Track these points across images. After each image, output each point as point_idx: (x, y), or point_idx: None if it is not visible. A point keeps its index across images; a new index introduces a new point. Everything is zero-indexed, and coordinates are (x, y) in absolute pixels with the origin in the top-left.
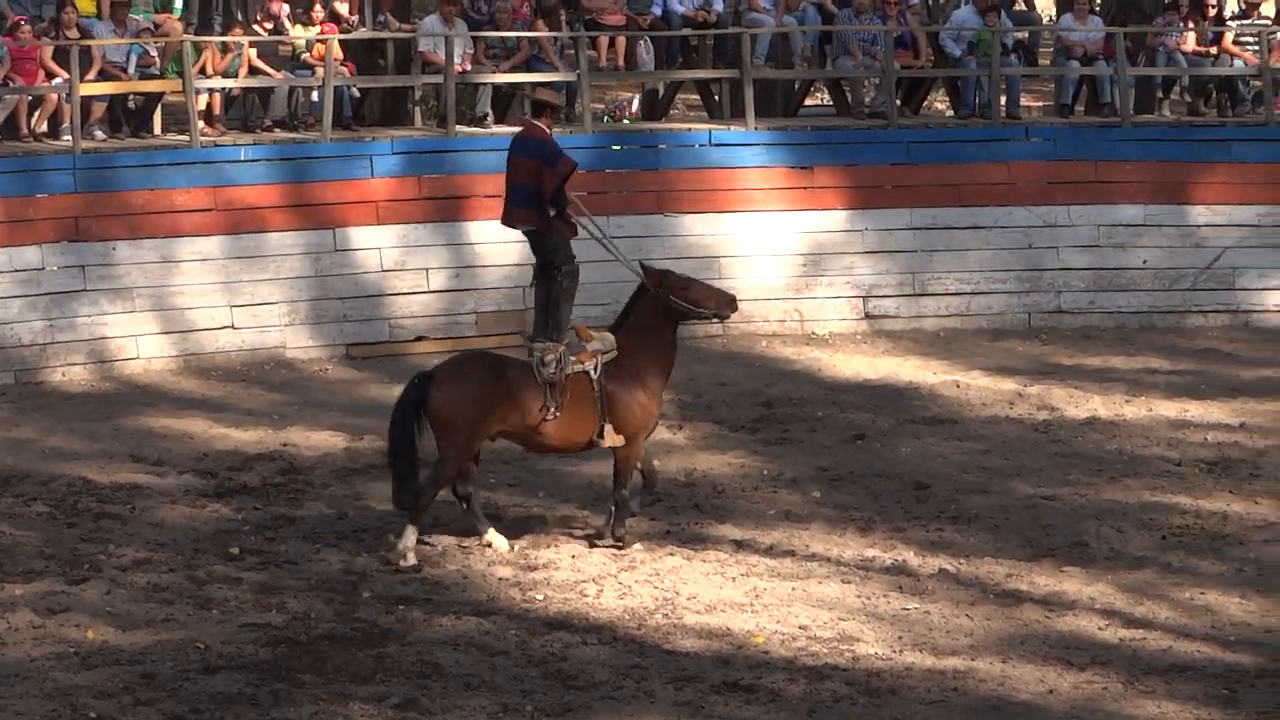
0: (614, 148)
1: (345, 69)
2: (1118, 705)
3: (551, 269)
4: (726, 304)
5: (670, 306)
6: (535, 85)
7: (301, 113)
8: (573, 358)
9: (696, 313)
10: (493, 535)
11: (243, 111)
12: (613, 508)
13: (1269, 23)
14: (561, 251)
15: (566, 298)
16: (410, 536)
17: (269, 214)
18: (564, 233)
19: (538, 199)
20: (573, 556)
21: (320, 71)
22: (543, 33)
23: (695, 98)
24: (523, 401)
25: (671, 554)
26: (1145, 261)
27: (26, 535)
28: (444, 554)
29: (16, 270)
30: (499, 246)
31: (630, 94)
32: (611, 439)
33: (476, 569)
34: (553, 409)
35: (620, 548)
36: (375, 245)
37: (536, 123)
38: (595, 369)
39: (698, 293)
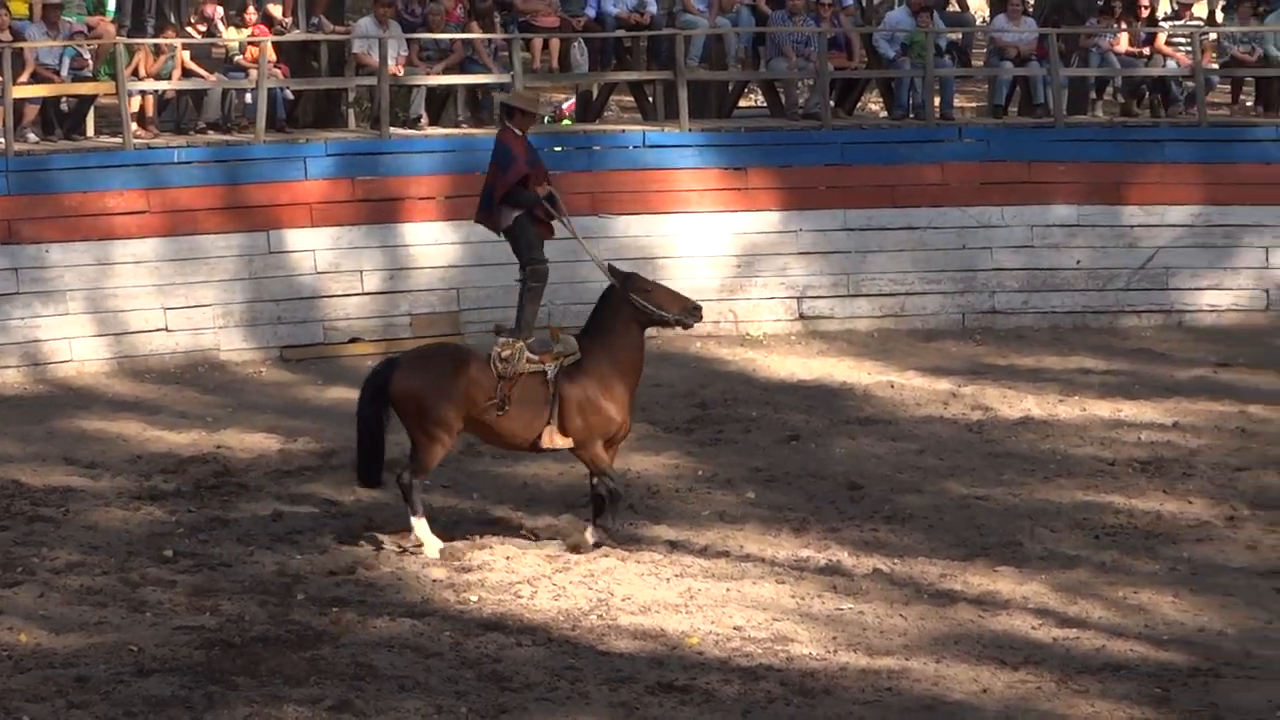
0: (554, 149)
1: (279, 71)
2: (1051, 705)
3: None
4: (690, 311)
5: (635, 309)
6: (509, 89)
7: (235, 115)
8: (535, 356)
9: (659, 316)
10: (423, 533)
11: (176, 114)
12: (605, 498)
13: (1201, 23)
14: (525, 253)
15: (530, 297)
16: (421, 527)
17: (203, 216)
18: (531, 234)
19: (491, 200)
20: (507, 558)
21: (254, 74)
22: (476, 34)
23: (629, 99)
24: (473, 392)
25: (606, 555)
26: (1079, 262)
27: None
28: (378, 556)
29: None
30: (433, 248)
31: (565, 96)
32: (551, 441)
33: (411, 570)
34: (499, 404)
35: (601, 544)
36: (309, 247)
37: (509, 125)
38: (552, 370)
39: (661, 297)
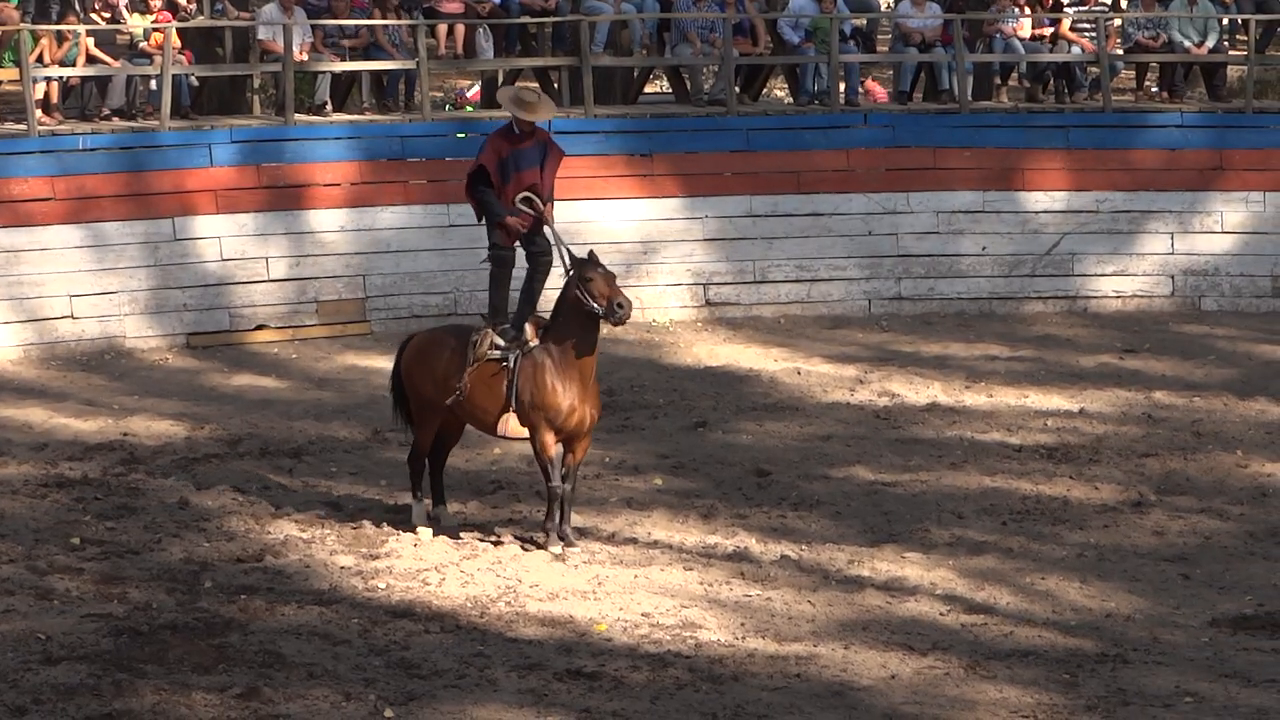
0: (458, 135)
1: (183, 58)
2: (959, 690)
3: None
4: (614, 308)
5: (576, 296)
6: (516, 78)
7: (140, 102)
8: (501, 343)
9: (589, 306)
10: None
11: (81, 100)
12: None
13: (1106, 9)
14: (489, 238)
15: (494, 283)
16: (415, 508)
17: (108, 203)
18: (496, 223)
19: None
20: (415, 545)
21: (158, 60)
22: (381, 21)
23: (534, 85)
24: (446, 374)
25: (514, 541)
26: (984, 248)
27: None
28: (285, 543)
29: None
30: (339, 235)
31: (469, 82)
32: (505, 428)
33: (319, 558)
34: (459, 388)
35: (557, 553)
36: (215, 234)
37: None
38: (512, 358)
39: (597, 287)
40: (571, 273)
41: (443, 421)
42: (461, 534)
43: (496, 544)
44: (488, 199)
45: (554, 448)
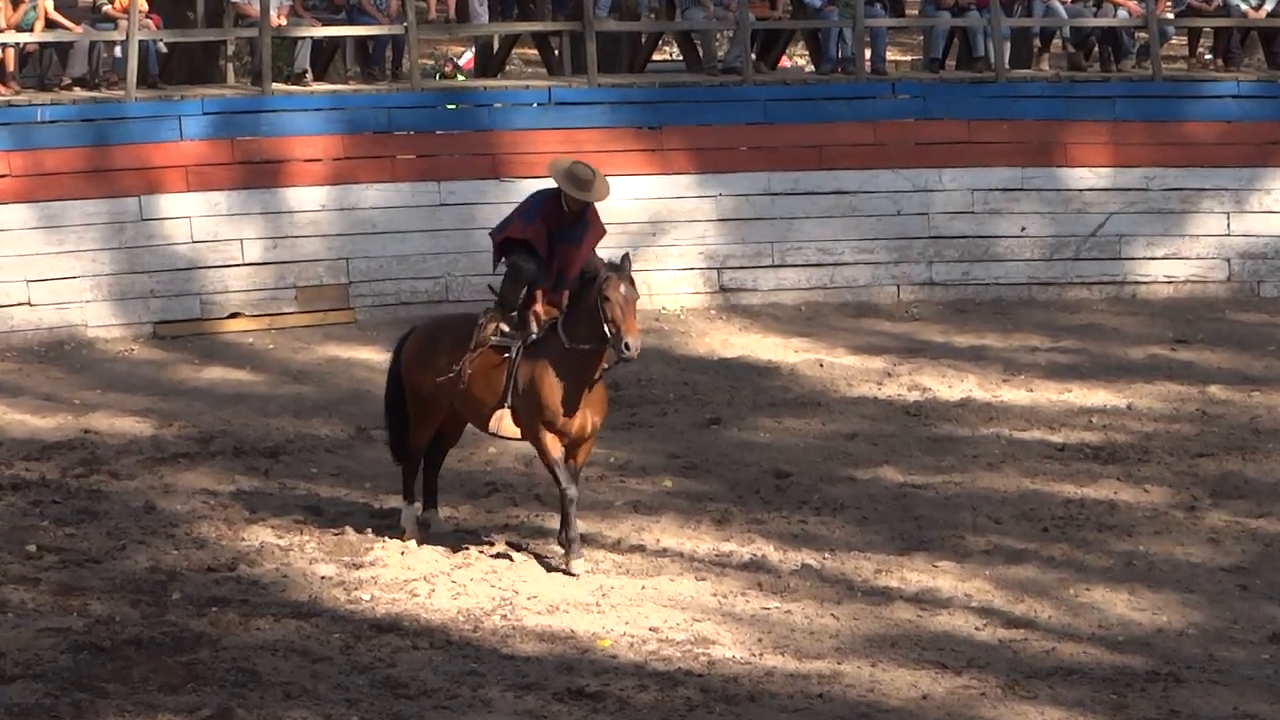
0: (448, 106)
1: (151, 22)
2: (996, 711)
3: None
4: (621, 346)
5: (593, 308)
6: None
7: (103, 70)
8: (509, 331)
9: (602, 321)
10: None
11: (39, 69)
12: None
13: None
14: (507, 255)
15: (506, 280)
16: (405, 512)
17: (68, 180)
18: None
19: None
20: (401, 553)
21: (123, 25)
22: None
23: (533, 52)
24: (446, 365)
25: (510, 549)
26: (1023, 229)
27: None
28: (261, 551)
29: None
30: (319, 215)
31: (462, 48)
32: (498, 425)
33: (297, 567)
34: (458, 370)
35: (580, 571)
36: (185, 214)
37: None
38: (515, 349)
39: (612, 310)
40: (599, 275)
41: (443, 420)
42: (454, 541)
43: (497, 556)
44: (520, 272)
45: (558, 449)
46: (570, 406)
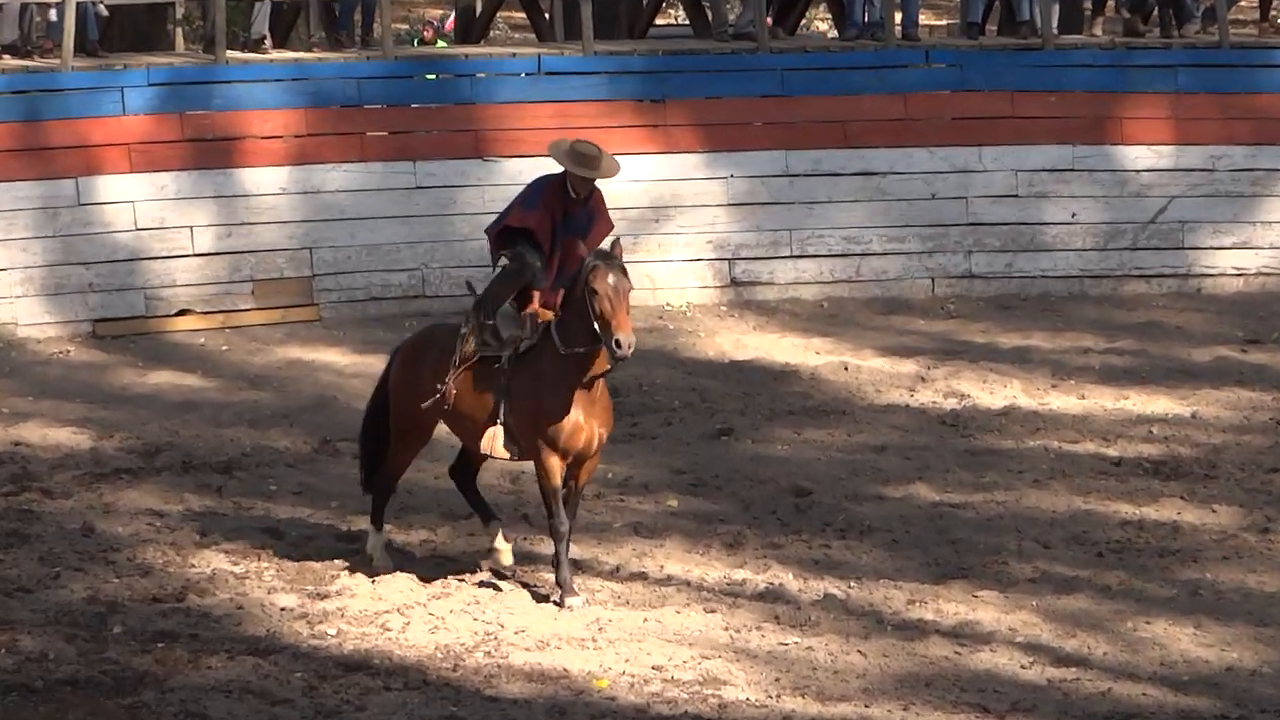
0: (427, 77)
1: None
2: None
3: None
4: (612, 343)
5: (583, 302)
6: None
7: (37, 36)
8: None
9: (590, 315)
10: (499, 543)
11: None
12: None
13: None
14: (501, 248)
15: (497, 280)
16: (372, 539)
17: None
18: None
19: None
20: (373, 581)
21: None
22: None
23: (521, 16)
24: (431, 382)
25: (495, 577)
26: (1073, 215)
27: None
28: (213, 579)
29: None
30: (279, 199)
31: (442, 12)
32: (491, 446)
33: (253, 597)
34: (440, 391)
35: (577, 605)
36: (128, 198)
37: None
38: (506, 359)
39: (600, 304)
40: (584, 265)
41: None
42: (431, 567)
43: (479, 584)
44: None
45: (559, 475)
46: (570, 420)
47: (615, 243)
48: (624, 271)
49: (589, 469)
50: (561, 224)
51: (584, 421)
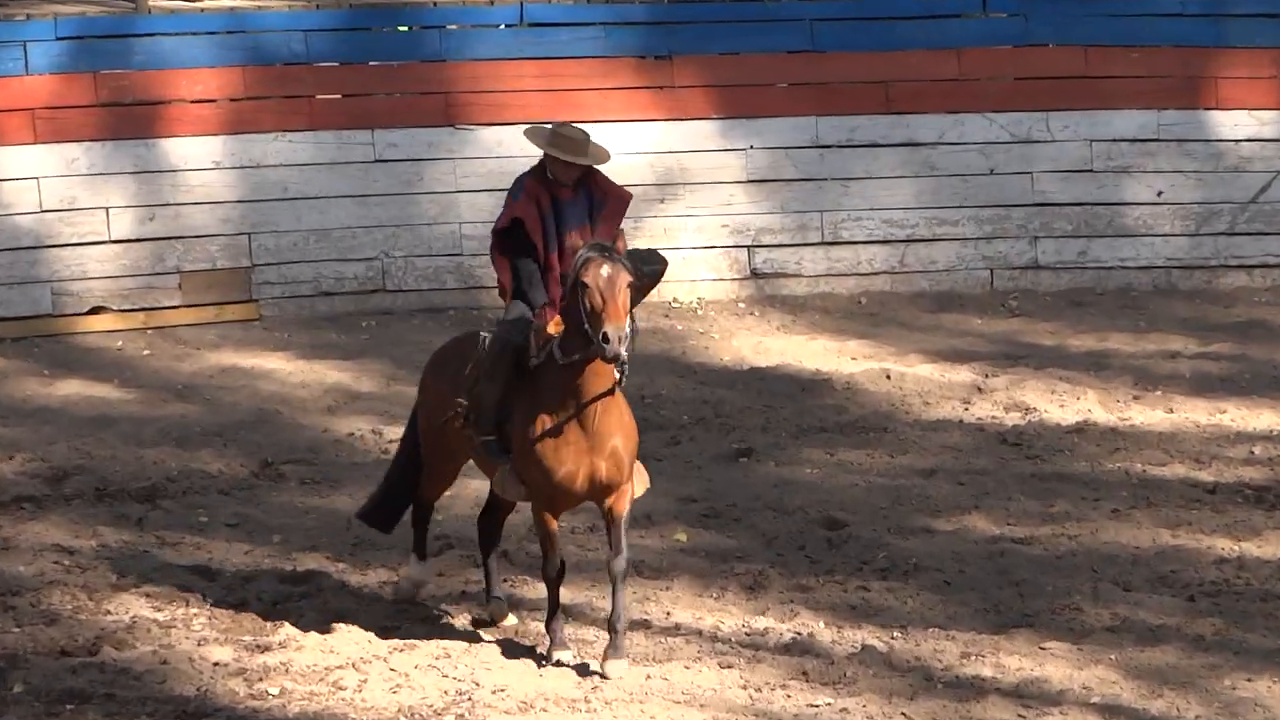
0: (400, 29)
1: None
2: None
3: None
4: (600, 339)
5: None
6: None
7: None
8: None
9: (581, 315)
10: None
11: None
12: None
13: None
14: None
15: (484, 374)
16: (414, 566)
17: None
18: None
19: None
20: (323, 633)
21: None
22: None
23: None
24: (446, 397)
25: (469, 626)
26: (1160, 193)
27: None
28: (133, 628)
29: None
30: (212, 176)
31: None
32: (499, 485)
33: (181, 650)
34: (458, 410)
35: (567, 661)
36: (31, 173)
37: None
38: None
39: (591, 296)
40: (579, 256)
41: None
42: (393, 614)
43: (450, 635)
44: (522, 276)
45: (553, 520)
46: (570, 462)
47: (618, 235)
48: (621, 263)
49: (620, 498)
50: (553, 215)
51: (584, 457)
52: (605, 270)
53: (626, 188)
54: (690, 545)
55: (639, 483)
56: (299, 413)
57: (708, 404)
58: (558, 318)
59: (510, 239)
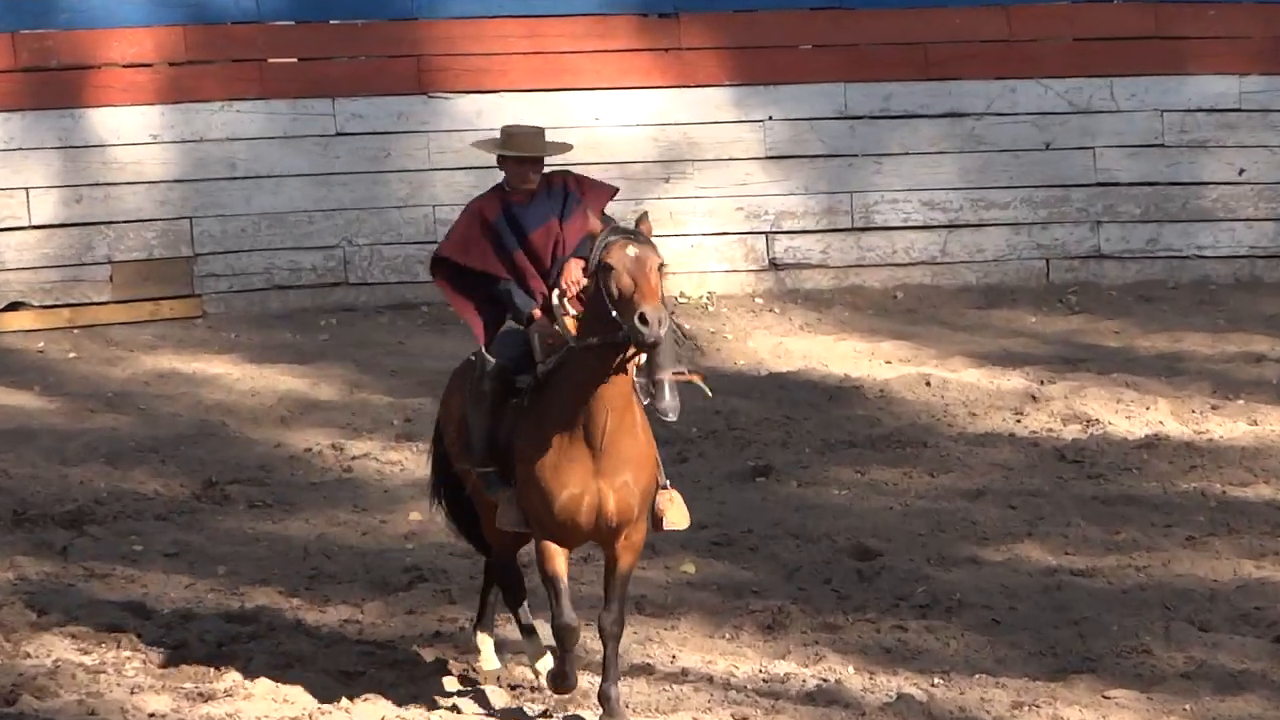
0: None
1: None
2: None
3: None
4: (636, 321)
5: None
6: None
7: None
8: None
9: (605, 307)
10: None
11: None
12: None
13: None
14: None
15: (470, 412)
16: (485, 649)
17: None
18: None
19: None
20: (275, 679)
21: None
22: None
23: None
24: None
25: (441, 669)
26: (1242, 172)
27: None
28: (56, 672)
29: None
30: (148, 152)
31: None
32: (503, 519)
33: (111, 698)
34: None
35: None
36: None
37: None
38: (524, 397)
39: (618, 279)
40: (595, 240)
41: None
42: (357, 657)
43: (422, 677)
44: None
45: (558, 559)
46: (572, 489)
47: (642, 217)
48: (650, 244)
49: (626, 546)
50: (505, 220)
51: (589, 483)
52: (632, 250)
53: (619, 166)
54: (700, 578)
55: (679, 517)
56: (248, 425)
57: (720, 415)
58: (573, 316)
59: (463, 276)
